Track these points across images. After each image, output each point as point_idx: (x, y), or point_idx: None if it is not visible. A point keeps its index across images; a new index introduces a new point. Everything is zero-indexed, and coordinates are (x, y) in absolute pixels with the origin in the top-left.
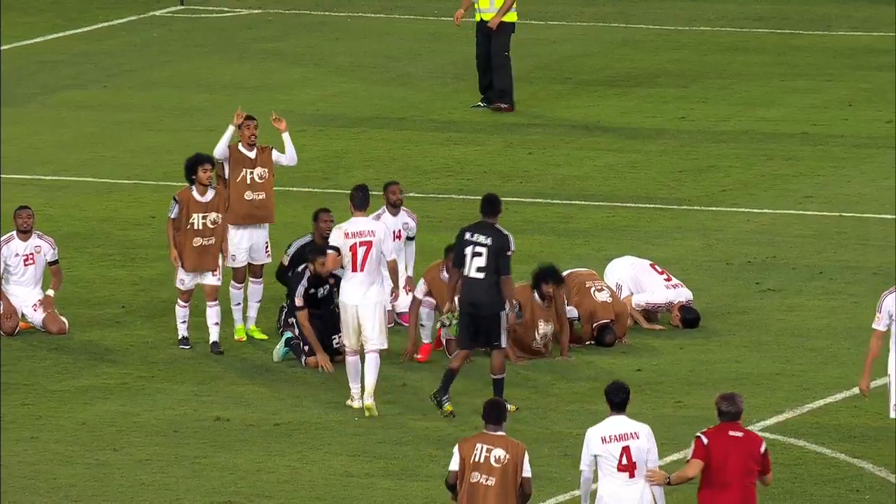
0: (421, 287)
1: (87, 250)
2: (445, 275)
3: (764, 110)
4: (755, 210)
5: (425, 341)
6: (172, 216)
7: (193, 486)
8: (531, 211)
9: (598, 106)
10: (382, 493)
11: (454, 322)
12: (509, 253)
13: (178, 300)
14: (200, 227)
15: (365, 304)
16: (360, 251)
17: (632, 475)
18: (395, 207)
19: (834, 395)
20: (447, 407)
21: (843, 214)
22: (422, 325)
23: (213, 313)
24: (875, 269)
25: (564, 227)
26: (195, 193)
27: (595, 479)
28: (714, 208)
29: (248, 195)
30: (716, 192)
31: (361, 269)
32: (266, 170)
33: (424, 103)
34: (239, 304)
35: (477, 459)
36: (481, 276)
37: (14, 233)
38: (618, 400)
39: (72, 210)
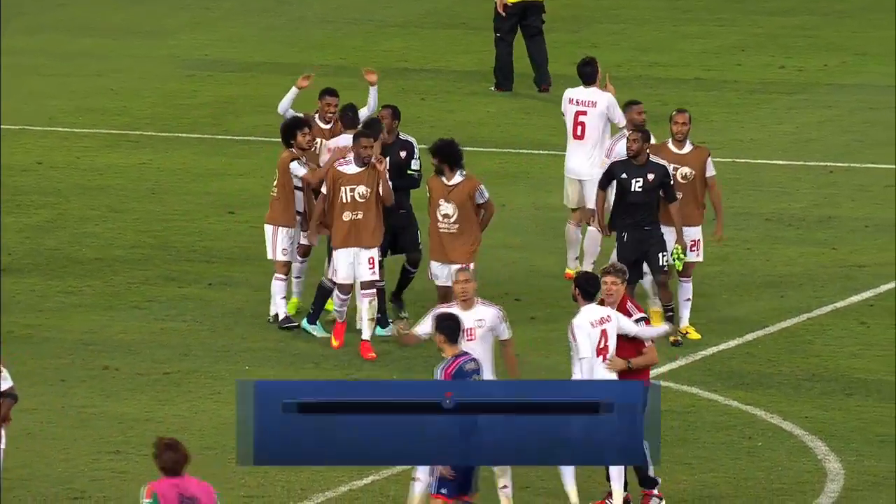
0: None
1: None
2: None
3: (657, 55)
4: None
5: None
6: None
7: (81, 436)
8: (423, 157)
9: (491, 52)
10: None
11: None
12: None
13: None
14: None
15: None
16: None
17: (605, 359)
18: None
19: (727, 343)
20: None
21: (737, 160)
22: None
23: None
24: (768, 214)
25: None
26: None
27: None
28: None
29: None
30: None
31: None
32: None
33: (316, 48)
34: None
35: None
36: None
37: None
38: (593, 290)
39: None
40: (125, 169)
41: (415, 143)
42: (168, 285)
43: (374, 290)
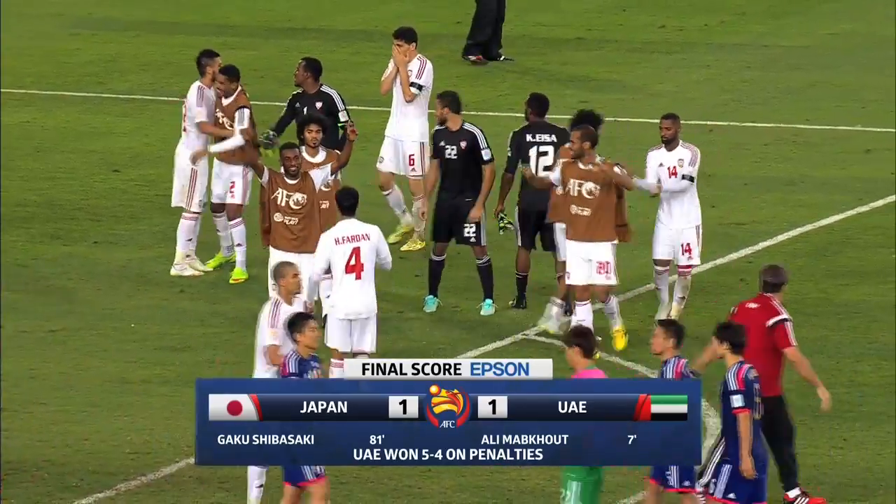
0: None
1: None
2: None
3: (539, 15)
4: None
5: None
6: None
7: None
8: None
9: (374, 11)
10: (159, 400)
11: (507, 223)
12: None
13: None
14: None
15: None
16: None
17: (358, 276)
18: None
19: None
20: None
21: (618, 119)
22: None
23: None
24: None
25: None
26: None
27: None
28: (491, 113)
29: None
30: (492, 97)
31: None
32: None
33: (200, 7)
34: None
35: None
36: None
37: None
38: (347, 204)
39: None
40: (9, 127)
41: (336, 96)
42: (53, 243)
43: None
